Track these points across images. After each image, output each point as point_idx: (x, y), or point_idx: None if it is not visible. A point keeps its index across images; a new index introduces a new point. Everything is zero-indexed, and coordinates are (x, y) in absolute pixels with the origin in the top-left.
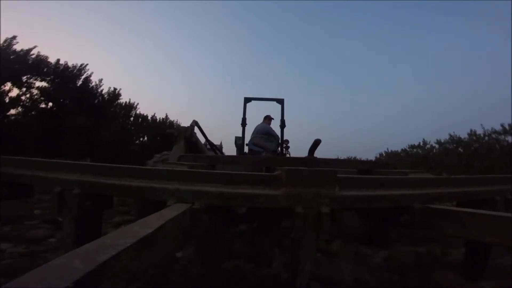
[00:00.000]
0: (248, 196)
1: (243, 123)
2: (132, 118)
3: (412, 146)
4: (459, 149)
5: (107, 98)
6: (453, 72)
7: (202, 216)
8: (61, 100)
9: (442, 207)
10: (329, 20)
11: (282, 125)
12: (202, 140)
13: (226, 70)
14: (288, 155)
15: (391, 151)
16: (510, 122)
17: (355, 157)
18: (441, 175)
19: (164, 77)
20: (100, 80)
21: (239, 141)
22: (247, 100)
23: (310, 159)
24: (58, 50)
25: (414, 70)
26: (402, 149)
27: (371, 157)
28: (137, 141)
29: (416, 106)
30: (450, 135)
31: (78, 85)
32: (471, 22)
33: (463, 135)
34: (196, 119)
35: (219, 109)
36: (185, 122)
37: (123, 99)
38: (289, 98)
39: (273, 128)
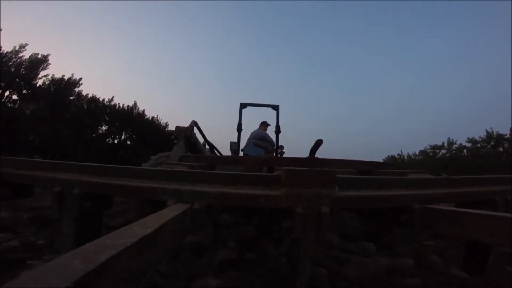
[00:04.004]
0: (248, 197)
1: (239, 129)
2: (72, 98)
3: (435, 147)
4: (500, 148)
5: (25, 66)
6: (451, 73)
7: (202, 216)
8: None
9: (442, 208)
10: (324, 21)
11: (277, 131)
12: (201, 140)
13: (219, 73)
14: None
15: (407, 154)
16: (510, 121)
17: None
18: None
19: (156, 77)
20: (23, 46)
21: (234, 147)
22: (243, 105)
23: (310, 160)
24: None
25: (411, 70)
26: (421, 151)
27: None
28: (93, 130)
29: (413, 107)
30: (487, 132)
31: None
32: (470, 22)
33: (462, 136)
34: (195, 120)
35: (212, 113)
36: (177, 123)
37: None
38: (285, 100)
39: (269, 134)
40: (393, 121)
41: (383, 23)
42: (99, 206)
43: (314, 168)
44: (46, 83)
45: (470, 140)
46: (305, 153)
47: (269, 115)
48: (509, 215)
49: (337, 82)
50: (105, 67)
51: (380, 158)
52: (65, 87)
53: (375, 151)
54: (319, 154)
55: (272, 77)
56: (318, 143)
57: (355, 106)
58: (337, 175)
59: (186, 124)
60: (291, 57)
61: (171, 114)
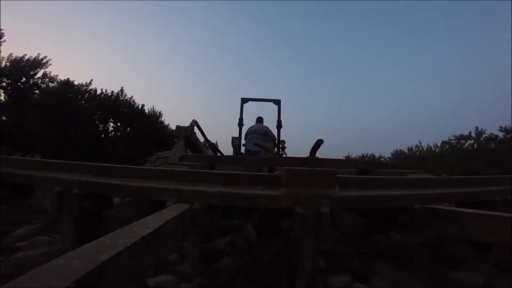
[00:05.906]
0: (248, 196)
1: (240, 124)
2: (38, 80)
3: (460, 137)
4: None
5: None
6: (451, 72)
7: (202, 216)
8: None
9: (441, 208)
10: (326, 20)
11: (279, 125)
12: (201, 139)
13: (221, 70)
14: (284, 156)
15: (426, 146)
16: (510, 120)
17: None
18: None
19: (157, 74)
20: None
21: (235, 142)
22: (244, 100)
23: (310, 159)
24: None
25: (411, 69)
26: (443, 142)
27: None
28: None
29: (412, 105)
30: None
31: None
32: (470, 22)
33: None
34: (195, 119)
35: (214, 108)
36: (178, 122)
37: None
38: (286, 98)
39: (270, 129)
40: (395, 117)
41: (388, 21)
42: (99, 206)
43: (314, 168)
44: (2, 62)
45: (503, 129)
46: (306, 152)
47: (270, 110)
48: (509, 215)
49: (341, 78)
50: (104, 63)
51: (387, 153)
52: (27, 67)
53: (379, 146)
54: (320, 153)
55: (274, 76)
56: (319, 143)
57: (357, 103)
58: (337, 175)
59: (187, 122)
60: (293, 56)
61: (172, 111)
